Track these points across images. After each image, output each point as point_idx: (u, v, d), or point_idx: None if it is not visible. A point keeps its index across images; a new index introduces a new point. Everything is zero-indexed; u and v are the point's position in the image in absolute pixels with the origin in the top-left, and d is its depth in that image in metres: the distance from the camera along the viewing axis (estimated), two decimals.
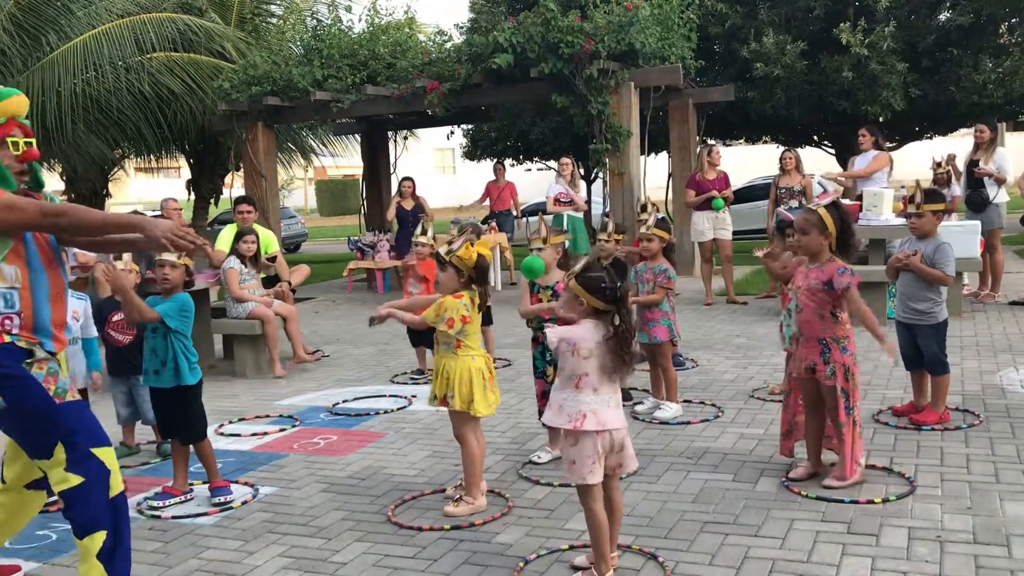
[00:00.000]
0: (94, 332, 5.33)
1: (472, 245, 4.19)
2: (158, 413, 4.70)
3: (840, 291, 4.19)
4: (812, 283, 4.27)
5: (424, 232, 6.76)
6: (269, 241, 8.46)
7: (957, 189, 9.50)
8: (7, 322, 3.13)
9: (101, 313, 5.45)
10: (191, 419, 4.55)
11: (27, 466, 3.38)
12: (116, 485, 3.22)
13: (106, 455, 3.20)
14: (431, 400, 4.32)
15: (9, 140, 3.20)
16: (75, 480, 3.13)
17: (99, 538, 3.16)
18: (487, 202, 13.65)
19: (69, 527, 4.21)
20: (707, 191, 10.17)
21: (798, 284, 4.38)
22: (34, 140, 3.32)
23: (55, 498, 4.54)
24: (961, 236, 7.85)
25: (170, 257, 4.50)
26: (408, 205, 11.85)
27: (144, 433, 5.71)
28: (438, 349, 4.28)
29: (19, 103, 3.27)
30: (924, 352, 5.18)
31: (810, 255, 4.34)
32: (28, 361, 3.15)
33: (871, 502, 4.03)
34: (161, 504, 4.47)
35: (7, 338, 3.11)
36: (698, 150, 10.92)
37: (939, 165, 9.46)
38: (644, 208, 6.32)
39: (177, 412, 4.55)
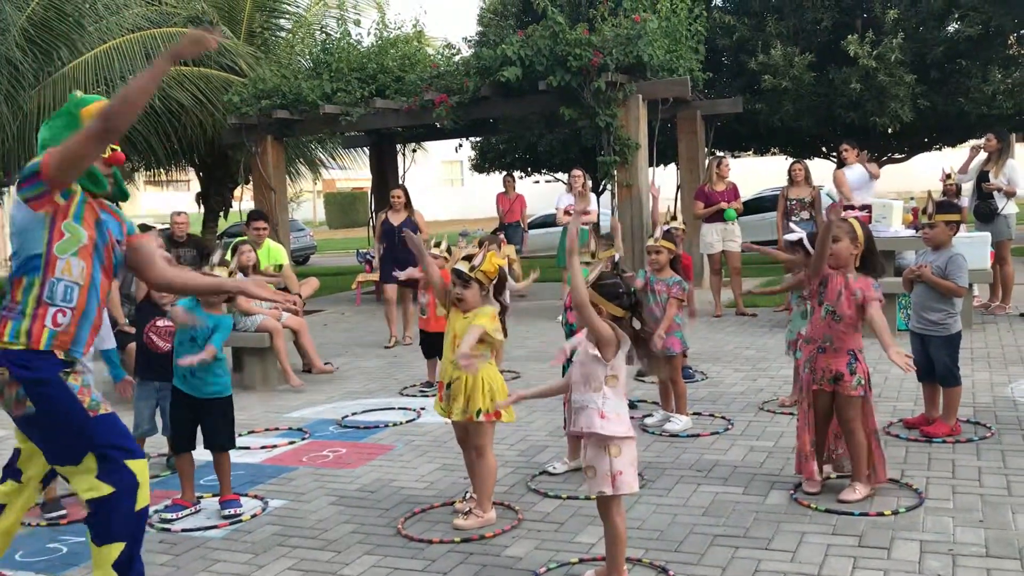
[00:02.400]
0: (112, 343, 5.29)
1: (490, 257, 4.21)
2: (183, 423, 4.65)
3: (870, 302, 4.19)
4: (856, 293, 4.24)
5: (438, 244, 6.80)
6: (278, 253, 8.51)
7: (965, 200, 9.47)
8: (59, 316, 3.15)
9: (143, 316, 5.43)
10: (230, 424, 4.61)
11: (44, 464, 3.41)
12: (143, 498, 3.23)
13: (139, 467, 3.22)
14: (461, 415, 4.15)
15: None
16: (106, 490, 3.14)
17: (117, 549, 3.17)
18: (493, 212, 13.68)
19: (81, 540, 4.26)
20: (716, 203, 10.18)
21: (820, 291, 4.33)
22: (119, 147, 3.37)
23: (64, 512, 4.60)
24: (971, 247, 7.82)
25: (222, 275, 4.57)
26: (397, 219, 9.71)
27: (153, 445, 5.71)
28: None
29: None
30: (936, 364, 5.16)
31: (839, 264, 4.29)
32: (66, 371, 3.17)
33: (881, 514, 4.01)
34: (174, 516, 4.48)
35: (43, 345, 3.12)
36: (707, 162, 10.92)
37: (948, 176, 9.44)
38: (674, 217, 6.31)
39: (216, 418, 4.57)
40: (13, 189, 3.26)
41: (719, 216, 10.16)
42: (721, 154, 12.57)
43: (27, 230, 3.15)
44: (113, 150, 3.30)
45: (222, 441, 4.59)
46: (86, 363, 3.39)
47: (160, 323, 5.30)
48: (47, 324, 3.13)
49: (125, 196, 3.46)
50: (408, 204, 9.75)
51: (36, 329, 3.13)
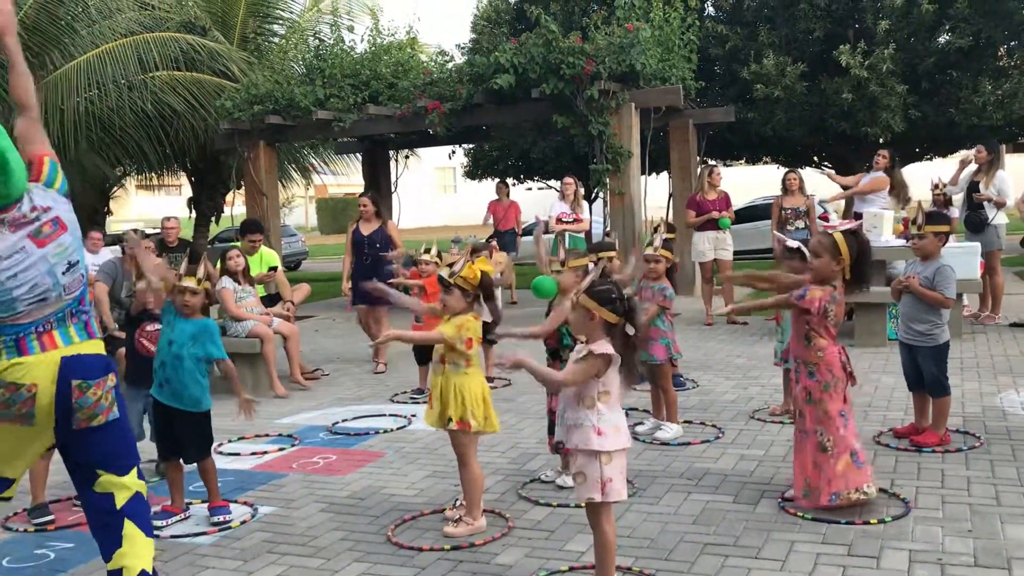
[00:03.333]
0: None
1: (472, 263, 4.20)
2: (162, 430, 4.65)
3: (797, 303, 4.20)
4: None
5: (428, 250, 6.83)
6: (271, 258, 8.52)
7: (955, 211, 9.51)
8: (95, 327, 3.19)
9: (132, 321, 5.41)
10: (203, 439, 4.59)
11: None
12: None
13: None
14: (438, 423, 4.20)
15: None
16: (144, 486, 3.18)
17: (152, 545, 3.19)
18: (491, 220, 13.66)
19: (68, 546, 4.25)
20: (708, 212, 10.21)
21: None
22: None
23: (52, 518, 4.57)
24: (961, 257, 7.86)
25: (189, 283, 4.53)
26: (368, 229, 8.70)
27: (143, 450, 5.68)
28: (443, 369, 4.18)
29: None
30: (924, 374, 5.18)
31: (820, 280, 4.25)
32: None
33: (867, 523, 4.02)
34: (164, 523, 4.45)
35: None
36: (699, 171, 10.96)
37: (937, 187, 9.49)
38: (670, 227, 6.31)
39: (188, 431, 4.55)
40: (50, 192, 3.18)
41: (711, 224, 10.19)
42: (713, 163, 12.60)
43: (77, 240, 3.18)
44: None
45: (193, 453, 4.56)
46: None
47: (149, 327, 5.28)
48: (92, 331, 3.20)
49: None
50: (379, 213, 8.80)
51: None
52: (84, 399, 2.97)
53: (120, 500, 3.11)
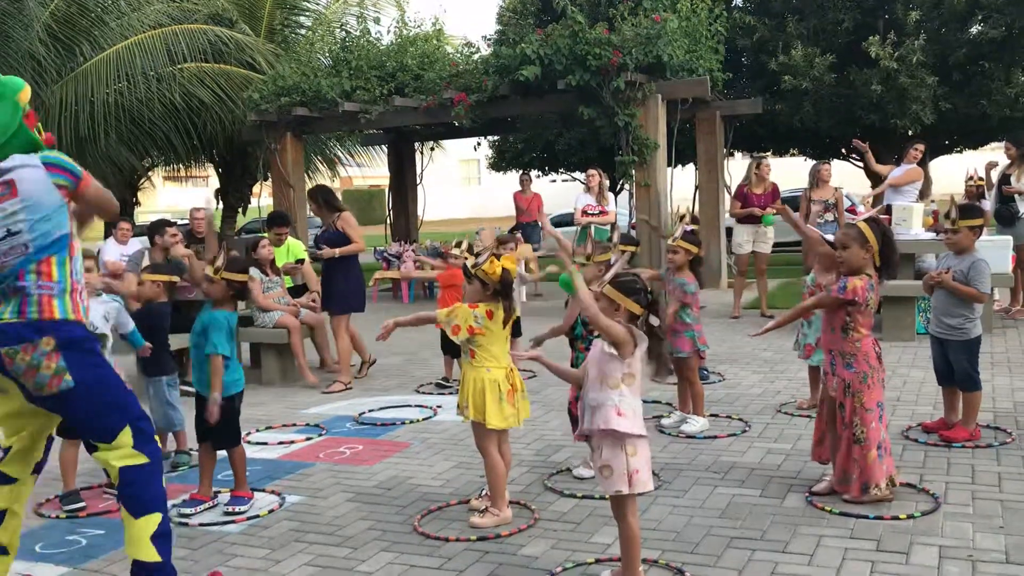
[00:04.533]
0: (131, 325, 5.24)
1: (498, 259, 4.22)
2: (197, 415, 4.65)
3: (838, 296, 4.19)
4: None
5: (459, 244, 6.84)
6: (297, 249, 8.56)
7: (987, 204, 9.39)
8: (82, 293, 3.29)
9: (155, 316, 5.47)
10: (228, 425, 4.60)
11: (32, 456, 3.39)
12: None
13: (160, 443, 3.38)
14: (464, 412, 4.32)
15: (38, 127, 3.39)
16: (142, 459, 3.23)
17: (155, 520, 3.23)
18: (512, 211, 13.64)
19: (100, 532, 4.30)
20: (753, 206, 10.10)
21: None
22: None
23: (83, 504, 4.63)
24: (992, 251, 7.75)
25: (208, 272, 4.57)
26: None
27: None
28: (463, 358, 4.31)
29: (28, 91, 3.41)
30: (955, 368, 5.12)
31: (851, 271, 4.25)
32: (100, 345, 3.35)
33: (896, 518, 3.99)
34: (193, 511, 4.49)
35: (82, 315, 3.26)
36: (748, 162, 10.82)
37: (971, 178, 9.36)
38: (695, 219, 6.28)
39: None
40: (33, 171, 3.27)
41: (752, 217, 10.11)
42: (761, 155, 12.42)
43: (55, 212, 3.22)
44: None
45: (225, 440, 4.59)
46: None
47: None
48: (79, 300, 3.27)
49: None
50: (329, 205, 7.56)
51: (74, 304, 3.24)
52: (15, 366, 3.11)
53: (113, 476, 3.24)
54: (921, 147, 9.99)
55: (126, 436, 3.22)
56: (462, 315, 4.17)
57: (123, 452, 3.22)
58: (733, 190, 10.74)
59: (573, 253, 5.06)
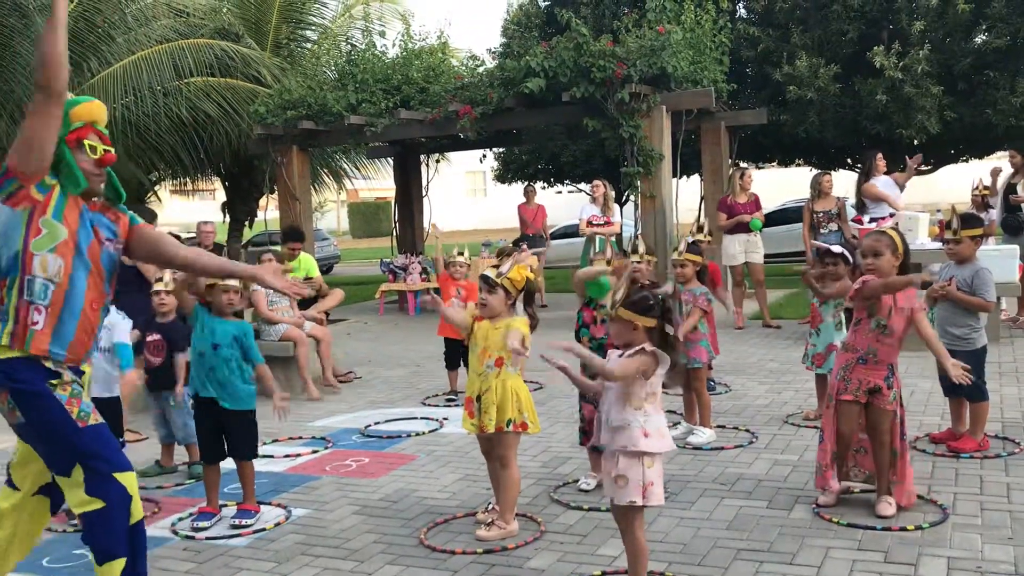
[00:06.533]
0: (125, 337, 5.21)
1: (521, 265, 4.23)
2: (212, 434, 4.64)
3: (918, 313, 4.23)
4: (905, 308, 4.22)
5: (461, 253, 6.90)
6: (310, 265, 8.61)
7: (994, 213, 9.37)
8: (35, 313, 3.11)
9: (143, 330, 5.50)
10: (253, 436, 4.65)
11: (41, 471, 3.35)
12: (136, 512, 3.20)
13: (128, 480, 3.19)
14: (491, 426, 4.13)
15: (86, 143, 3.27)
16: (96, 504, 3.13)
17: (118, 566, 3.15)
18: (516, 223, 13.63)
19: None
20: (738, 215, 10.13)
21: (872, 303, 4.29)
22: (112, 148, 3.39)
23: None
24: (999, 260, 7.75)
25: (233, 283, 4.58)
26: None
27: (177, 453, 5.76)
28: (499, 372, 4.13)
29: (95, 110, 3.33)
30: None
31: (883, 277, 4.24)
32: (53, 382, 3.14)
33: (904, 529, 3.97)
34: (206, 524, 4.50)
35: (26, 346, 3.10)
36: (729, 173, 10.89)
37: (977, 188, 9.35)
38: (700, 228, 6.31)
39: (243, 430, 4.60)
40: None
41: (742, 228, 10.12)
42: (744, 165, 12.49)
43: (10, 229, 3.13)
44: (106, 151, 3.32)
45: (247, 451, 4.61)
46: (78, 368, 3.30)
47: (149, 338, 5.40)
48: (28, 324, 3.11)
49: (120, 196, 3.45)
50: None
51: (19, 331, 3.11)
52: None
53: (73, 505, 3.18)
54: (881, 155, 9.92)
55: (78, 474, 3.13)
56: (526, 329, 4.12)
57: (79, 497, 3.13)
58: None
59: (593, 260, 5.06)
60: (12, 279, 3.13)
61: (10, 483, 3.42)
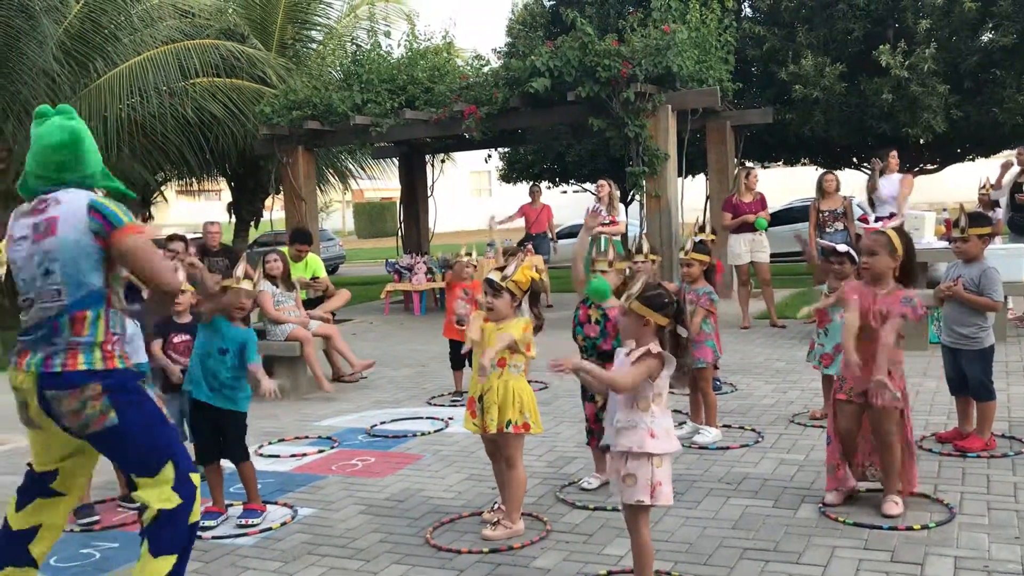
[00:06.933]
0: (143, 356, 5.30)
1: (527, 266, 4.23)
2: (208, 435, 4.65)
3: (917, 319, 4.19)
4: (882, 309, 4.20)
5: (468, 253, 6.91)
6: (317, 266, 8.63)
7: (1000, 213, 9.35)
8: (120, 344, 3.20)
9: (163, 333, 5.49)
10: (244, 437, 4.64)
11: (83, 485, 3.41)
12: (196, 512, 3.27)
13: (197, 481, 3.29)
14: (493, 426, 4.13)
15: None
16: (177, 501, 3.17)
17: (169, 562, 3.18)
18: (520, 221, 13.57)
19: (113, 546, 4.31)
20: (743, 214, 10.11)
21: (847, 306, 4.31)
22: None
23: (97, 518, 4.64)
24: (1007, 259, 7.73)
25: (246, 286, 4.59)
26: None
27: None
28: (501, 372, 4.12)
29: None
30: (969, 377, 5.09)
31: (876, 277, 4.24)
32: (142, 380, 3.26)
33: (910, 529, 3.96)
34: (215, 523, 4.51)
35: (118, 363, 3.18)
36: (735, 172, 10.88)
37: (984, 186, 9.33)
38: (702, 228, 6.30)
39: (237, 432, 4.61)
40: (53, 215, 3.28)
41: (747, 227, 10.10)
42: (750, 165, 12.50)
43: (83, 261, 3.13)
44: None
45: (240, 453, 4.62)
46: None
47: (177, 339, 5.39)
48: (116, 352, 3.18)
49: (125, 196, 3.51)
50: None
51: (107, 356, 3.16)
52: (59, 409, 3.09)
53: (147, 517, 3.18)
54: (894, 153, 10.00)
55: (169, 471, 3.17)
56: (528, 334, 4.13)
57: (163, 493, 3.17)
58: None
59: (595, 261, 5.03)
60: (96, 314, 3.17)
61: (45, 494, 3.36)
